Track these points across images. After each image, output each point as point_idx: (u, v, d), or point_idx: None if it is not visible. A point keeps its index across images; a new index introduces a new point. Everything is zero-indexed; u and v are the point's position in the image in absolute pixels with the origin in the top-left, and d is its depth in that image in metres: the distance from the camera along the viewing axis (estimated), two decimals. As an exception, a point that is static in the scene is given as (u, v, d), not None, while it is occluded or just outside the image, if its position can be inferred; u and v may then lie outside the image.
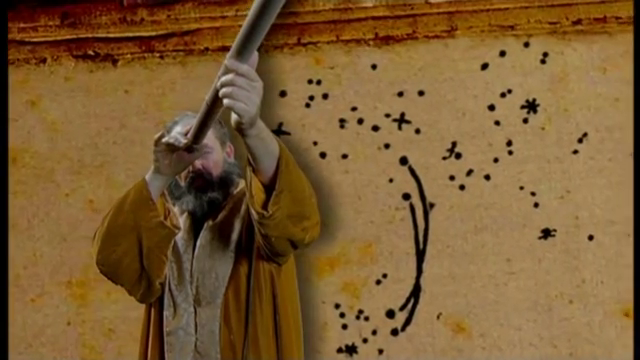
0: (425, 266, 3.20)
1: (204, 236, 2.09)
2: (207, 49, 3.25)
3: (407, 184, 3.23)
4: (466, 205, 3.21)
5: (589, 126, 3.20)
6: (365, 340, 3.23)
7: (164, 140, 1.88)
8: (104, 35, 3.23)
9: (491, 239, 3.19)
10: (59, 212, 3.28)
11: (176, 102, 3.26)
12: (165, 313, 2.08)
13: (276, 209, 1.79)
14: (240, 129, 1.58)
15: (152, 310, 2.13)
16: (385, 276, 3.24)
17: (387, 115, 3.26)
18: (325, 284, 3.21)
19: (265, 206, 1.80)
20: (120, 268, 2.02)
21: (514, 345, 3.19)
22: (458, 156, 3.22)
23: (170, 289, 2.08)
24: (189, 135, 1.84)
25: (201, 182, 2.09)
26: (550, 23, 3.20)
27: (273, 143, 1.74)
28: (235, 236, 2.07)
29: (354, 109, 3.25)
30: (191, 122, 1.94)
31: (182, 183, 2.11)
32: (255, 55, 1.40)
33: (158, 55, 3.27)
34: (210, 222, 2.10)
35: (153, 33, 3.24)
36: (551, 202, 3.21)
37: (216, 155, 2.12)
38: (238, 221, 2.09)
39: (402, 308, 3.21)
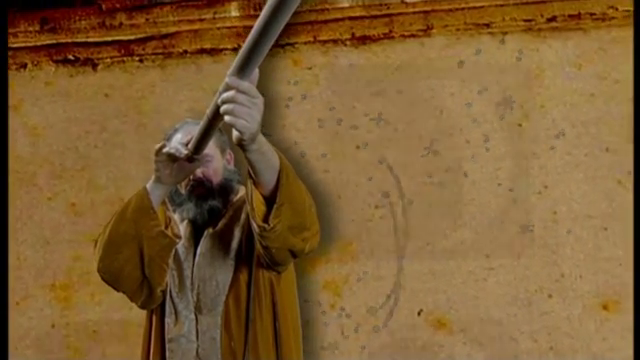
0: (405, 263, 3.23)
1: (204, 244, 2.12)
2: (186, 52, 3.27)
3: (386, 182, 3.26)
4: (445, 202, 3.23)
5: (565, 122, 3.22)
6: (347, 337, 3.26)
7: (165, 150, 1.91)
8: (83, 40, 3.26)
9: (470, 235, 3.22)
10: (42, 216, 3.31)
11: (156, 105, 3.29)
12: (167, 320, 2.11)
13: (277, 222, 1.82)
14: (241, 144, 1.60)
15: (153, 316, 2.17)
16: (366, 274, 3.27)
17: (365, 114, 3.28)
18: (307, 283, 3.24)
19: (266, 219, 1.82)
20: (122, 276, 2.05)
21: (494, 340, 3.21)
22: (436, 153, 3.25)
23: (171, 296, 2.11)
24: (190, 146, 1.87)
25: (201, 190, 2.12)
26: (525, 20, 3.23)
27: (274, 157, 1.76)
28: (235, 244, 2.11)
29: (332, 109, 3.28)
30: (191, 130, 1.98)
31: (183, 191, 2.13)
32: (256, 72, 1.43)
33: (137, 59, 3.29)
34: (210, 230, 2.13)
35: (132, 37, 3.26)
36: (529, 198, 3.24)
37: (216, 163, 2.14)
38: (238, 229, 2.12)
39: (383, 305, 3.24)
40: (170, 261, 2.09)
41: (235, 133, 1.53)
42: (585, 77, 3.27)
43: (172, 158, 1.91)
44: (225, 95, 1.45)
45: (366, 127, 3.26)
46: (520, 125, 3.25)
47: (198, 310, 2.08)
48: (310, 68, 3.26)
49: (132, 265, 2.03)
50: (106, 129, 3.27)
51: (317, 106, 3.29)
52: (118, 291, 2.11)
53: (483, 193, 3.26)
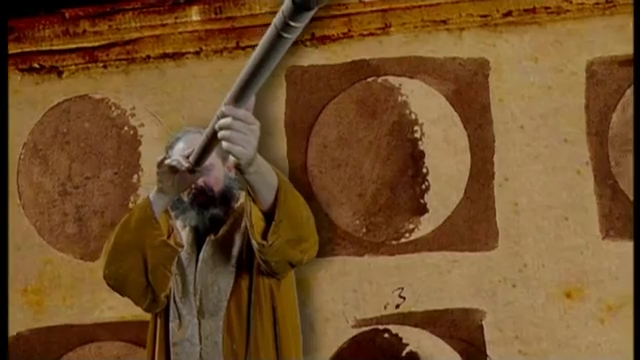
0: (372, 258, 3.28)
1: (206, 250, 2.16)
2: (149, 57, 3.32)
3: (351, 179, 3.31)
4: (408, 196, 3.29)
5: (523, 115, 3.28)
6: (315, 331, 3.31)
7: (167, 162, 1.95)
8: (48, 48, 3.32)
9: (433, 229, 3.27)
10: (13, 221, 3.37)
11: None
12: (171, 325, 2.16)
13: (275, 238, 1.86)
14: (238, 168, 1.65)
15: (158, 320, 2.21)
16: (333, 269, 3.32)
17: (327, 113, 3.33)
18: (275, 280, 3.29)
19: (265, 235, 1.87)
20: (127, 282, 2.09)
21: (461, 331, 3.25)
22: (397, 148, 3.30)
23: (175, 301, 2.16)
24: (191, 159, 1.91)
25: (203, 199, 2.16)
26: (481, 16, 3.28)
27: (272, 176, 1.81)
28: (236, 251, 2.15)
29: (296, 108, 3.33)
30: (192, 139, 2.05)
31: (185, 199, 2.17)
32: (252, 98, 1.46)
33: (102, 65, 3.34)
34: (212, 237, 2.17)
35: (96, 43, 3.32)
36: (490, 190, 3.29)
37: (217, 171, 2.18)
38: (239, 236, 2.16)
39: (351, 300, 3.29)
40: (173, 268, 2.14)
41: (232, 158, 1.56)
42: (542, 70, 3.32)
43: (174, 170, 1.95)
44: (222, 122, 1.48)
45: (329, 125, 3.32)
46: (479, 119, 3.31)
47: (201, 315, 2.12)
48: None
49: (136, 272, 2.07)
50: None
51: (281, 106, 3.34)
52: (123, 296, 2.16)
53: (445, 187, 3.31)
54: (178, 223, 2.18)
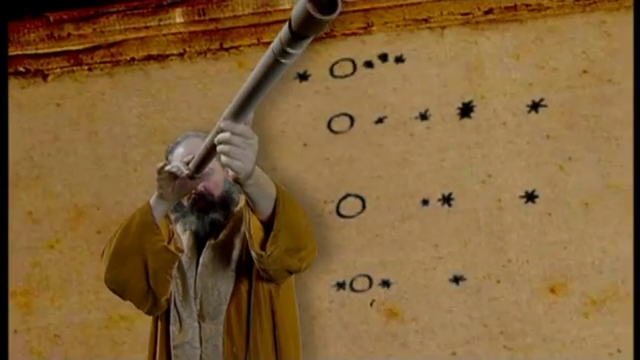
0: (356, 255, 3.30)
1: (206, 255, 2.16)
2: (133, 59, 3.34)
3: (334, 178, 3.34)
4: (392, 195, 3.31)
5: (506, 111, 3.30)
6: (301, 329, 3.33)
7: (167, 168, 1.96)
8: (33, 51, 3.33)
9: (418, 226, 3.29)
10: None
11: (106, 112, 3.36)
12: (172, 328, 2.17)
13: (274, 248, 1.88)
14: (237, 182, 1.65)
15: (159, 323, 2.22)
16: (317, 267, 3.34)
17: (310, 112, 3.36)
18: (260, 279, 3.31)
19: (263, 245, 1.88)
20: (128, 287, 2.11)
21: (446, 327, 3.29)
22: (382, 147, 3.32)
23: (176, 305, 2.17)
24: (191, 165, 1.92)
25: (203, 203, 2.16)
26: (463, 14, 3.30)
27: (270, 187, 1.81)
28: (236, 255, 2.16)
29: (277, 108, 3.36)
30: (192, 143, 2.09)
31: (185, 203, 2.17)
32: (251, 112, 1.47)
33: (86, 68, 3.37)
34: (212, 241, 2.17)
35: (80, 47, 3.34)
36: (474, 187, 3.31)
37: (217, 176, 2.18)
38: (238, 240, 2.17)
39: (336, 297, 3.31)
40: (174, 272, 2.15)
41: (231, 172, 1.57)
42: (523, 67, 3.34)
43: (174, 176, 1.97)
44: (221, 136, 1.49)
45: (312, 125, 3.34)
46: (462, 116, 3.33)
47: (201, 318, 2.14)
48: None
49: (137, 277, 2.09)
50: (59, 138, 3.35)
51: (263, 105, 3.36)
52: (125, 300, 2.18)
53: (429, 184, 3.34)
54: (178, 227, 2.20)
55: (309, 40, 1.21)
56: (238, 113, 1.42)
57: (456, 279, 3.27)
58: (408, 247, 3.29)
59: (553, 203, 3.25)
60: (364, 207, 3.33)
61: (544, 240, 3.26)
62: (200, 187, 2.12)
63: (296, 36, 1.19)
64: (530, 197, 3.27)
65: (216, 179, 2.17)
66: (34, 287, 3.30)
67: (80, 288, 3.27)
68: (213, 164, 2.07)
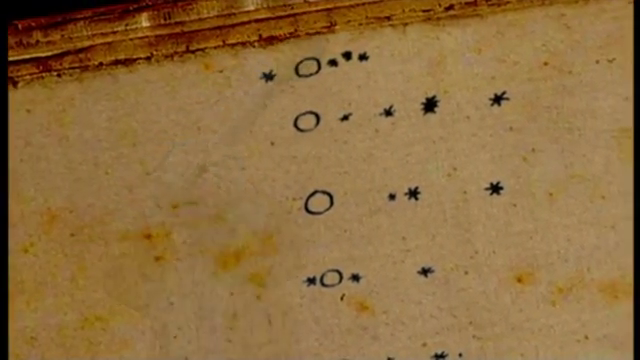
0: (326, 251, 3.35)
1: None
2: (101, 64, 3.38)
3: (302, 175, 3.38)
4: (359, 190, 3.35)
5: (469, 105, 3.34)
6: (273, 325, 3.38)
7: None
8: (3, 59, 3.40)
9: (385, 220, 3.33)
10: (-25, 230, 3.44)
11: (76, 117, 3.39)
12: None
13: None
14: None
15: None
16: (288, 263, 3.38)
17: (276, 112, 3.40)
18: (232, 276, 3.35)
19: None
20: None
21: (416, 319, 3.31)
22: (348, 144, 3.37)
23: None
24: None
25: None
26: (424, 11, 3.34)
27: None
28: None
29: (244, 108, 3.40)
30: None
31: None
32: None
33: (56, 74, 3.40)
34: None
35: (49, 53, 3.37)
36: (440, 180, 3.35)
37: None
38: None
39: (307, 293, 3.36)
40: None
41: None
42: (485, 61, 3.37)
43: None
44: None
45: (278, 124, 3.39)
46: (426, 111, 3.38)
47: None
48: (221, 71, 3.38)
49: None
50: (30, 143, 3.38)
51: (230, 107, 3.41)
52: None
53: (395, 179, 3.38)
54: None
55: None
56: None
57: (424, 271, 3.32)
58: (376, 241, 3.33)
59: (518, 194, 3.28)
60: (332, 203, 3.37)
61: (510, 230, 3.29)
62: None
63: None
64: (495, 189, 3.32)
65: None
66: (9, 290, 3.35)
67: (55, 291, 3.30)
68: None
